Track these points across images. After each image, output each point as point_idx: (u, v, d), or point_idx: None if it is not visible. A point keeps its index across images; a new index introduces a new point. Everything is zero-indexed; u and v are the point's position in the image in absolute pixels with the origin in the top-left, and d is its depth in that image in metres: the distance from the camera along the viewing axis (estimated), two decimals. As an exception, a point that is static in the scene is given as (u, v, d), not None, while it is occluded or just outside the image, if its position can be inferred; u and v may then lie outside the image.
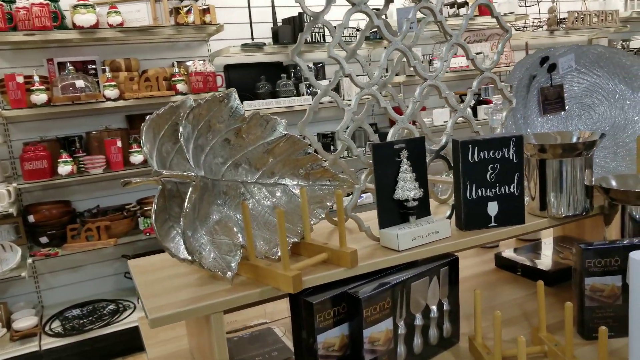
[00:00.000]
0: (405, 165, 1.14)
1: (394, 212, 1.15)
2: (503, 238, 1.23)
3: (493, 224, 1.21)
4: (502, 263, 1.61)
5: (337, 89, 3.85)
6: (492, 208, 1.21)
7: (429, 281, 1.11)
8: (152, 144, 1.06)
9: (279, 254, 1.07)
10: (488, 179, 1.19)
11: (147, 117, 1.07)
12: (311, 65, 4.01)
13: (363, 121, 1.30)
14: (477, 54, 4.39)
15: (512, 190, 1.21)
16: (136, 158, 3.30)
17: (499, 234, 1.20)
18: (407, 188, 1.13)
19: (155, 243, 3.49)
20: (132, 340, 3.15)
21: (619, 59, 1.47)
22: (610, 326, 1.15)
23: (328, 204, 1.15)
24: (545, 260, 1.56)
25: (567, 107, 1.46)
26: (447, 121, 4.26)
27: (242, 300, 0.97)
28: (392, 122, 4.47)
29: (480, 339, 1.13)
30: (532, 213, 1.28)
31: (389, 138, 1.19)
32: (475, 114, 4.44)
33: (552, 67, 1.46)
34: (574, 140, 1.30)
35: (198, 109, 1.05)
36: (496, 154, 1.19)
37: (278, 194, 1.15)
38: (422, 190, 1.15)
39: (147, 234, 3.34)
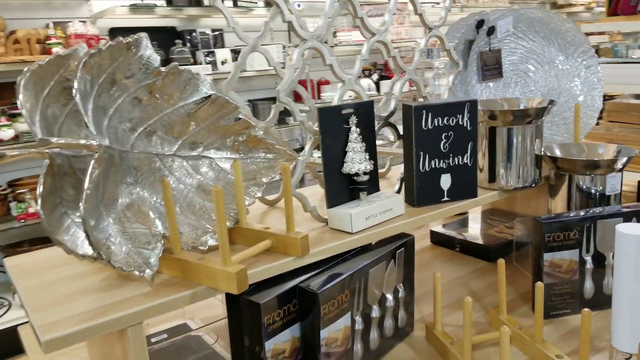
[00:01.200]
0: (354, 134, 0.97)
1: (342, 189, 0.98)
2: (456, 213, 1.12)
3: (446, 198, 1.09)
4: (438, 239, 1.52)
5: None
6: (445, 181, 1.09)
7: (385, 266, 0.97)
8: (34, 105, 0.79)
9: (210, 243, 0.86)
10: (442, 148, 1.07)
11: (26, 68, 0.80)
12: (208, 32, 3.70)
13: (297, 84, 1.11)
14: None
15: (465, 161, 1.09)
16: (5, 133, 2.83)
17: (452, 209, 1.09)
18: (357, 160, 0.97)
19: (33, 230, 3.04)
20: (8, 343, 2.71)
21: (555, 24, 1.41)
22: (567, 303, 1.09)
23: (264, 180, 0.96)
24: (481, 235, 1.49)
25: (504, 74, 1.38)
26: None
27: (168, 306, 0.75)
28: (299, 98, 4.31)
29: (440, 327, 1.01)
30: (481, 185, 1.19)
31: (334, 102, 1.01)
32: (378, 88, 4.40)
33: (491, 31, 1.37)
34: (522, 106, 1.22)
35: (98, 57, 0.79)
36: (450, 120, 1.06)
37: (203, 169, 0.93)
38: (372, 162, 1.00)
39: (23, 221, 2.89)
